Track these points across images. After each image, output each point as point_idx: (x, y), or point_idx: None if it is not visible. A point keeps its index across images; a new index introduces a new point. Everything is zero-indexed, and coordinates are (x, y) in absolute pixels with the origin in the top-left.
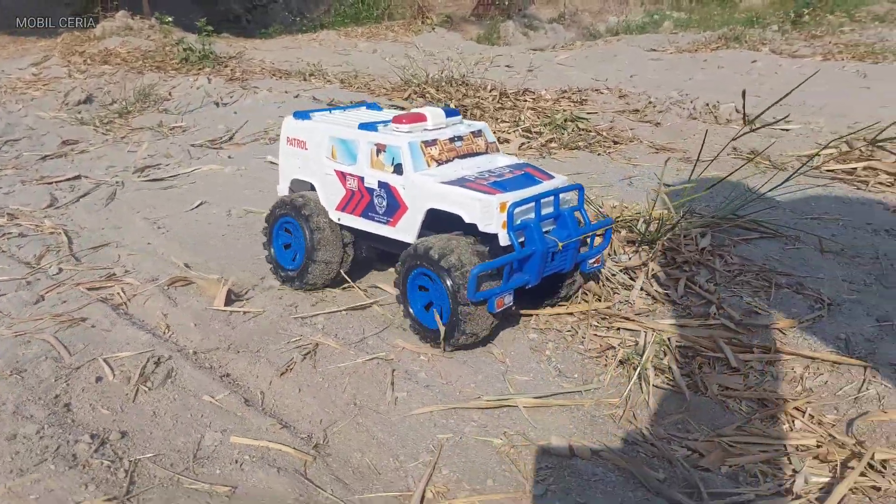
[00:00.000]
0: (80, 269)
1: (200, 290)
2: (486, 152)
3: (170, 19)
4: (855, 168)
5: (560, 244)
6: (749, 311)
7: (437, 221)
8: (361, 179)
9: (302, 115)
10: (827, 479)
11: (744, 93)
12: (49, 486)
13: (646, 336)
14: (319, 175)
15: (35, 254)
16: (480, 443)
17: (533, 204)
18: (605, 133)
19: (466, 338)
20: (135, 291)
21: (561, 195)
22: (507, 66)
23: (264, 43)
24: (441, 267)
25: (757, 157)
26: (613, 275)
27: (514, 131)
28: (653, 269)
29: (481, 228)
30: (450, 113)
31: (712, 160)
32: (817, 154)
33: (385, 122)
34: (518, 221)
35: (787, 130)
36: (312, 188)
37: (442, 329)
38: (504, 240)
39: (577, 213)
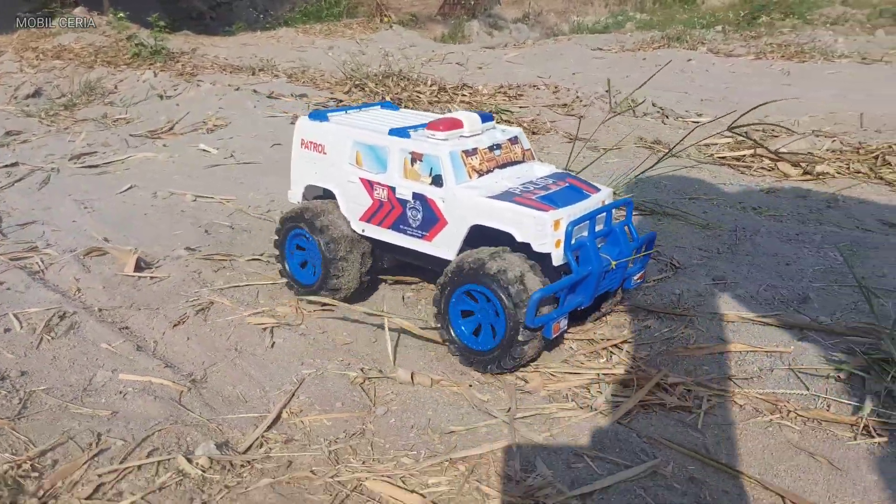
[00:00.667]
0: (4, 243)
1: (114, 259)
2: (524, 160)
3: (121, 14)
4: (743, 155)
5: (613, 263)
6: None
7: (477, 237)
8: (392, 189)
9: (319, 115)
10: (623, 399)
11: (608, 81)
12: None
13: None
14: (340, 182)
15: None
16: (339, 376)
17: (587, 221)
18: (525, 124)
19: (516, 362)
20: (52, 261)
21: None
22: (458, 63)
23: (224, 40)
24: (500, 285)
25: (679, 151)
26: None
27: None
28: None
29: (535, 248)
30: (484, 118)
31: (612, 147)
32: (702, 142)
33: (416, 127)
34: (573, 240)
35: (696, 123)
36: (326, 195)
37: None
38: (558, 259)
39: (626, 229)
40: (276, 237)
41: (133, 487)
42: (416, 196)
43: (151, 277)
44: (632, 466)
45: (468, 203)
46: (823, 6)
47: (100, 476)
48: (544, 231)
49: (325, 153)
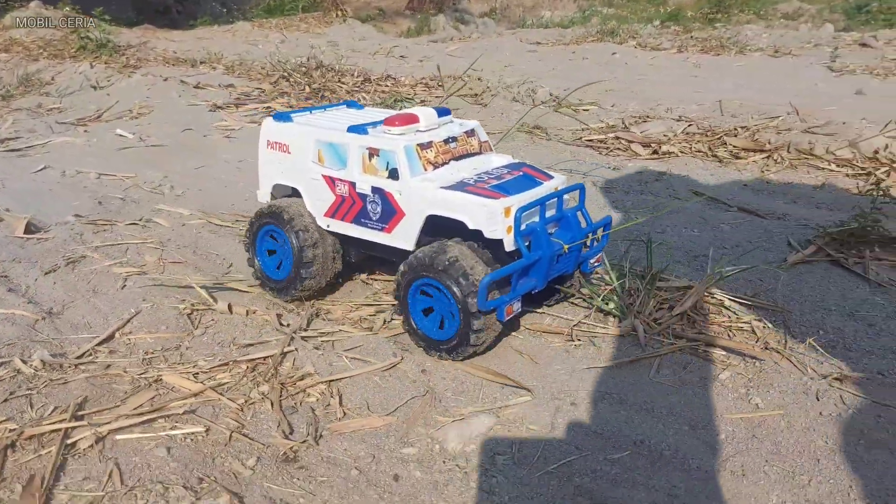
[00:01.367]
0: None
1: (8, 225)
2: (480, 152)
3: (67, 8)
4: (605, 138)
5: (566, 247)
6: None
7: (435, 227)
8: (353, 185)
9: (282, 116)
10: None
11: (438, 67)
12: None
13: None
14: (305, 180)
15: None
16: (170, 308)
17: (538, 207)
18: None
19: (475, 348)
20: None
21: (563, 196)
22: (402, 56)
23: (182, 34)
24: (449, 277)
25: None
26: None
27: None
28: None
29: (487, 235)
30: (441, 112)
31: (506, 133)
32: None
33: (374, 124)
34: (523, 226)
35: (587, 111)
36: (295, 193)
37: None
38: (510, 245)
39: (578, 214)
40: (246, 235)
41: None
42: (374, 190)
43: (38, 239)
44: (377, 364)
45: (423, 194)
46: (780, 1)
47: None
48: (495, 218)
49: (289, 152)
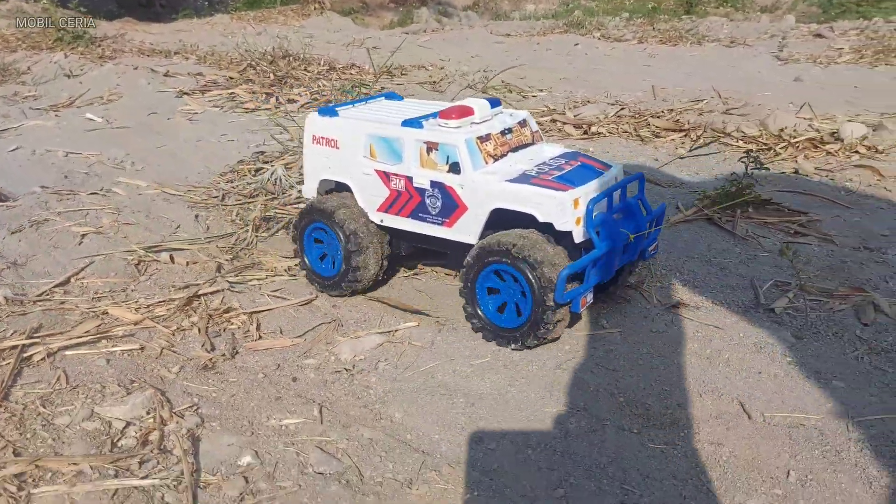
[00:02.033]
0: None
1: None
2: (534, 142)
3: (45, 1)
4: (543, 121)
5: (631, 236)
6: None
7: (497, 221)
8: (409, 179)
9: (328, 111)
10: None
11: (368, 51)
12: None
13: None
14: (356, 175)
15: None
16: (121, 259)
17: (605, 198)
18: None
19: (543, 339)
20: None
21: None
22: (375, 47)
23: (161, 27)
24: (527, 265)
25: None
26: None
27: (304, 94)
28: None
29: (558, 227)
30: (493, 104)
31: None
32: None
33: (427, 117)
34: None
35: (534, 96)
36: (340, 188)
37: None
38: (579, 236)
39: (639, 202)
40: (294, 231)
41: None
42: (433, 184)
43: (7, 206)
44: (293, 301)
45: (487, 188)
46: None
47: None
48: (565, 210)
49: (337, 147)
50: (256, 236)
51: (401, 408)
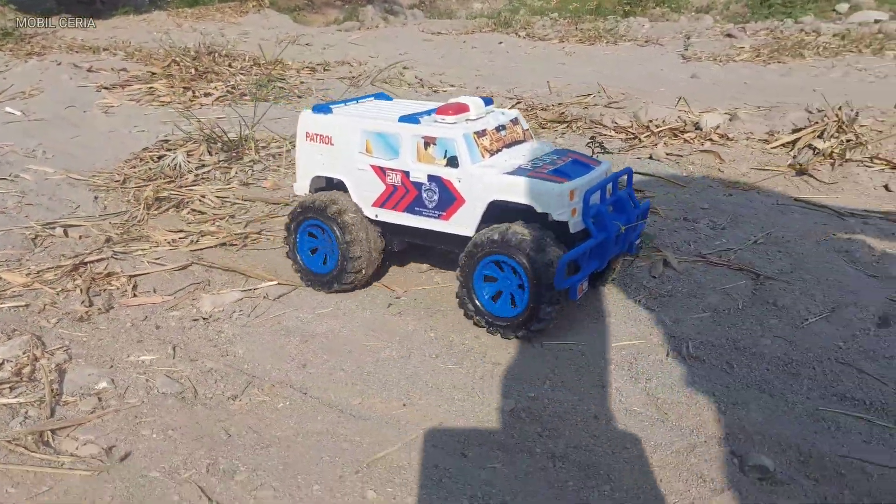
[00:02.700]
0: None
1: None
2: (525, 140)
3: None
4: None
5: (622, 227)
6: None
7: (492, 215)
8: (406, 174)
9: (322, 108)
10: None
11: (260, 46)
12: None
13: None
14: (351, 171)
15: None
16: (18, 233)
17: (599, 190)
18: (296, 91)
19: (542, 326)
20: None
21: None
22: (307, 44)
23: (99, 23)
24: (525, 254)
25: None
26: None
27: (220, 88)
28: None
29: (554, 217)
30: (486, 102)
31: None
32: None
33: (422, 114)
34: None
35: (445, 91)
36: (330, 185)
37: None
38: (575, 227)
39: (628, 196)
40: (286, 230)
41: None
42: (431, 178)
43: None
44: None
45: (485, 180)
46: None
47: None
48: (562, 201)
49: (332, 144)
50: (148, 214)
51: (244, 346)
